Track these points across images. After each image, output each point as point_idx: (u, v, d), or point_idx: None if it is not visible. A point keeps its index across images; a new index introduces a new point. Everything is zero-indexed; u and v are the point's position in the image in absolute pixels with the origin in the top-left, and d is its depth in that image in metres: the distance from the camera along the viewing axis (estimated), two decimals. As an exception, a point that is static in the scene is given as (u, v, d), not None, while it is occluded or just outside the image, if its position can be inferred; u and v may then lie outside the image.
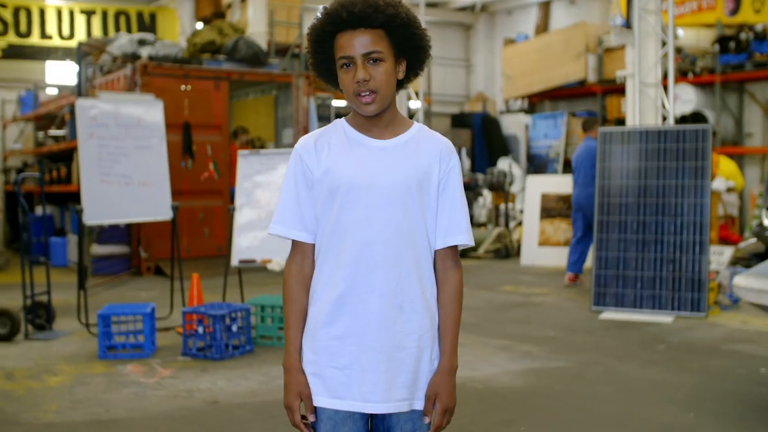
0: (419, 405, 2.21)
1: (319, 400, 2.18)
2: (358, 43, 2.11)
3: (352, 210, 2.16)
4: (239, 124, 12.10)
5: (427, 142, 2.24)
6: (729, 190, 12.84)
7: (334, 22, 2.13)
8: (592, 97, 17.15)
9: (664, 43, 9.00)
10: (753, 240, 5.06)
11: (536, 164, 16.98)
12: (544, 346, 6.59)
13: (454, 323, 2.23)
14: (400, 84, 2.24)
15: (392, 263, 2.16)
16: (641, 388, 5.41)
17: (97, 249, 11.17)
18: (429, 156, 2.22)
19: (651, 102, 9.05)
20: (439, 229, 2.23)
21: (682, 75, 14.52)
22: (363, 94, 2.12)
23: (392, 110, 2.22)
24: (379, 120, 2.20)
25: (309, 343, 2.21)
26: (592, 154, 8.93)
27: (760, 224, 4.92)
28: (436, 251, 2.24)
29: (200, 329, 6.33)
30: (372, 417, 2.22)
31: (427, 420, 2.21)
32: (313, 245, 2.23)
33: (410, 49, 2.20)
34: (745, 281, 4.86)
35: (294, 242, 2.25)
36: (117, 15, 18.85)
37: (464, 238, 2.24)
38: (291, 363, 2.21)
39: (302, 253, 2.24)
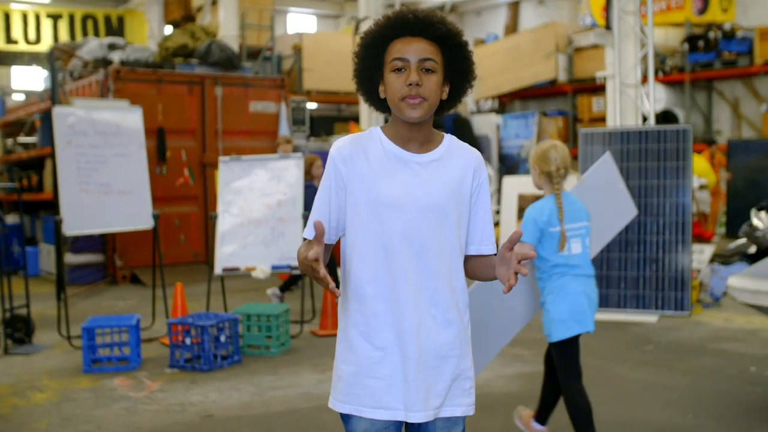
0: (458, 411, 2.26)
1: (360, 410, 2.20)
2: (415, 48, 2.15)
3: (389, 225, 2.19)
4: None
5: (459, 155, 2.29)
6: (701, 187, 12.96)
7: (394, 25, 2.18)
8: (563, 96, 17.26)
9: (642, 44, 9.02)
10: (743, 240, 5.10)
11: (508, 164, 17.01)
12: (533, 349, 6.58)
13: None
14: (440, 109, 2.27)
15: (426, 277, 2.20)
16: (636, 390, 5.42)
17: (72, 258, 10.97)
18: (463, 170, 2.27)
19: (631, 102, 9.07)
20: (472, 238, 2.30)
21: (652, 74, 14.65)
22: (412, 97, 2.13)
23: (430, 125, 2.27)
24: (418, 133, 2.23)
25: (348, 354, 2.23)
26: None
27: (750, 224, 4.96)
28: (465, 255, 2.31)
29: (187, 340, 6.22)
30: (407, 426, 2.27)
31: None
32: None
33: (457, 74, 2.24)
34: (740, 282, 4.87)
35: None
36: (84, 19, 18.55)
37: (492, 249, 2.32)
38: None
39: None
